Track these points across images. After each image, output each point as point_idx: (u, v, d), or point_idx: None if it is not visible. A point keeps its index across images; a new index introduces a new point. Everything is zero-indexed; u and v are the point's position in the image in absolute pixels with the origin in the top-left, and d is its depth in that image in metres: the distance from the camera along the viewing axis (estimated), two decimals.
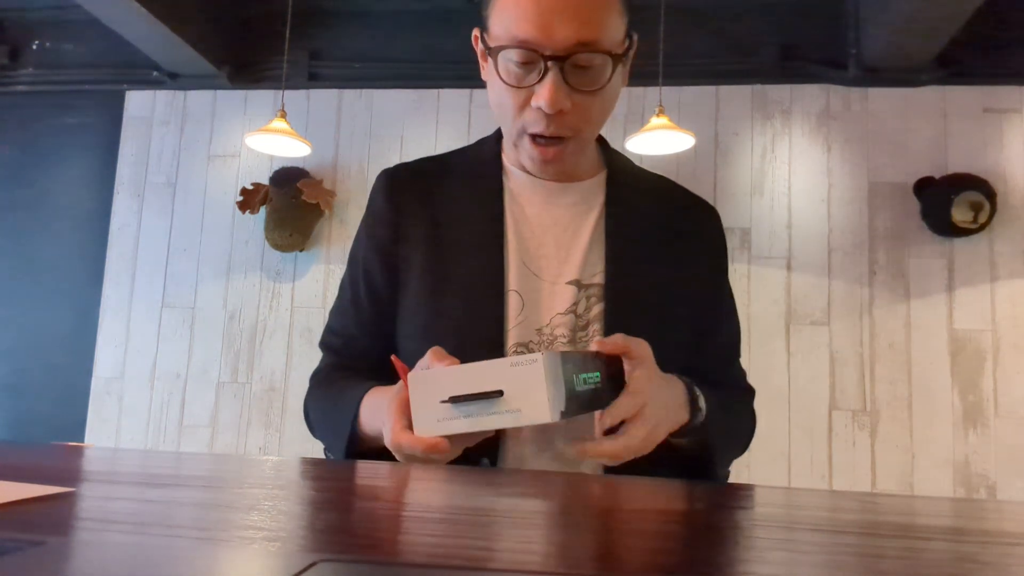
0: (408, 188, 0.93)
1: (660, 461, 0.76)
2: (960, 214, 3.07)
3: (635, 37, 0.85)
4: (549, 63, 0.77)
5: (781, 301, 3.23)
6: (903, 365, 3.13)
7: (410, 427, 0.69)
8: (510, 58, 0.79)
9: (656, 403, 0.73)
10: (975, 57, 3.20)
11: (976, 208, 3.06)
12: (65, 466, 0.60)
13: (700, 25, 3.41)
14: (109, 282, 3.63)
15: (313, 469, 0.67)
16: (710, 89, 3.41)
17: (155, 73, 3.66)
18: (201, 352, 3.53)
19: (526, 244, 0.89)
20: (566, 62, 0.78)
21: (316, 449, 0.97)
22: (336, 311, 0.98)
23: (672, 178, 1.01)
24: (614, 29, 0.79)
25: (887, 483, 3.07)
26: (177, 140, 3.69)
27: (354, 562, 0.30)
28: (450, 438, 0.67)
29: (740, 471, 1.03)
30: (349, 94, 3.62)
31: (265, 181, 3.53)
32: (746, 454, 0.98)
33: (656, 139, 2.88)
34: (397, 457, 0.73)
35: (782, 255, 3.27)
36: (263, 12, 3.60)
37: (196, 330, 3.54)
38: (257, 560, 0.31)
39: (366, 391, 0.84)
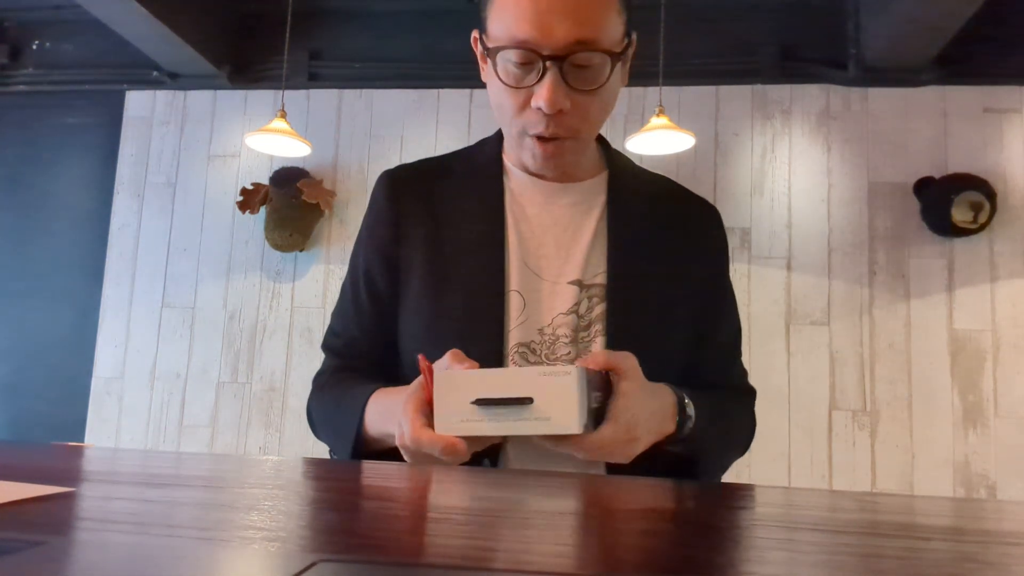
0: (409, 189, 0.93)
1: (648, 465, 0.77)
2: (960, 214, 3.07)
3: (634, 36, 0.85)
4: (548, 63, 0.77)
5: (781, 301, 3.23)
6: (903, 365, 3.13)
7: (430, 426, 0.69)
8: (509, 59, 0.79)
9: (642, 413, 0.74)
10: (975, 57, 3.20)
11: (976, 208, 3.06)
12: (65, 466, 0.60)
13: (700, 25, 3.41)
14: (109, 282, 3.63)
15: (313, 469, 0.67)
16: (710, 89, 3.41)
17: (155, 73, 3.66)
18: (201, 352, 3.53)
19: (527, 244, 0.89)
20: (565, 62, 0.78)
21: (316, 449, 0.97)
22: (338, 312, 0.98)
23: (672, 178, 1.01)
24: (612, 28, 0.79)
25: (887, 483, 3.07)
26: (177, 140, 3.69)
27: (354, 562, 0.30)
28: (467, 440, 0.68)
29: (740, 471, 1.03)
30: (349, 94, 3.62)
31: (265, 181, 3.53)
32: (746, 454, 0.98)
33: (656, 139, 2.88)
34: (407, 457, 0.73)
35: (782, 255, 3.27)
36: (263, 12, 3.60)
37: (196, 330, 3.54)
38: (257, 560, 0.31)
39: (371, 392, 0.84)
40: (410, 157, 1.22)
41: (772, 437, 3.13)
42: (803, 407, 3.16)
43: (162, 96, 3.72)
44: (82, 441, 3.53)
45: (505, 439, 0.79)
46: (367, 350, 0.94)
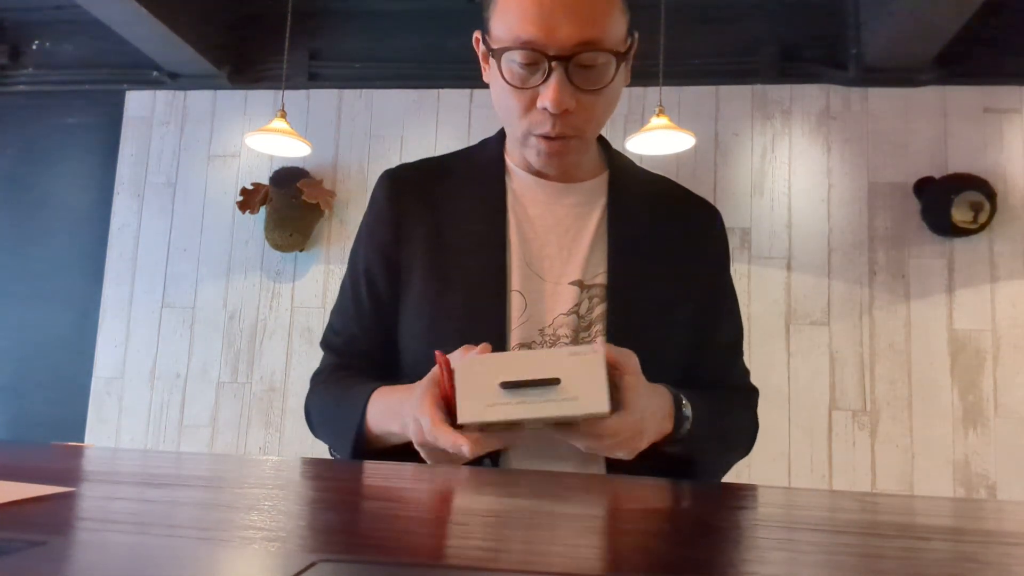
0: (410, 188, 0.93)
1: (647, 465, 0.77)
2: (960, 214, 3.07)
3: (636, 35, 0.85)
4: (553, 63, 0.77)
5: (781, 301, 3.23)
6: (903, 365, 3.13)
7: (447, 421, 0.69)
8: (513, 59, 0.79)
9: (648, 408, 0.74)
10: (975, 57, 3.20)
11: (976, 208, 3.06)
12: (65, 466, 0.60)
13: (700, 25, 3.41)
14: (109, 282, 3.63)
15: (313, 469, 0.67)
16: (710, 89, 3.41)
17: (155, 73, 3.66)
18: (201, 352, 3.53)
19: (529, 245, 0.89)
20: (570, 62, 0.78)
21: (316, 449, 0.97)
22: (337, 311, 0.98)
23: (672, 178, 1.01)
24: (616, 27, 0.79)
25: (887, 483, 3.07)
26: (177, 140, 3.69)
27: (354, 562, 0.30)
28: (489, 436, 0.67)
29: (740, 471, 1.03)
30: (349, 94, 3.61)
31: (265, 181, 3.53)
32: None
33: (656, 139, 2.88)
34: (421, 452, 0.73)
35: (782, 255, 3.27)
36: (263, 12, 3.60)
37: (196, 330, 3.54)
38: (257, 560, 0.31)
39: (373, 390, 0.84)
40: (410, 157, 1.22)
41: (772, 437, 3.13)
42: (803, 407, 3.16)
43: (162, 96, 3.72)
44: (82, 441, 3.53)
45: (524, 430, 0.79)
46: (367, 348, 0.94)
